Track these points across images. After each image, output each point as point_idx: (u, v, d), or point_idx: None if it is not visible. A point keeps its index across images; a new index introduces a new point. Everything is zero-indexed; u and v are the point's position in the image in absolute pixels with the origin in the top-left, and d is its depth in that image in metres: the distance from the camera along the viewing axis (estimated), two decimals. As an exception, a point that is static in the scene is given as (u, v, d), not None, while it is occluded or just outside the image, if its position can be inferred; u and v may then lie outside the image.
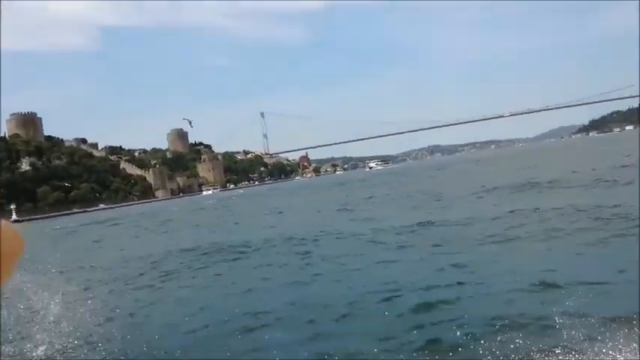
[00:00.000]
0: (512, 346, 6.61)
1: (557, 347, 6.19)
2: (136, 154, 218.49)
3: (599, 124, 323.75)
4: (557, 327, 6.77)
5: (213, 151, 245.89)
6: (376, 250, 14.43)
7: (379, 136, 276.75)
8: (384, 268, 12.16)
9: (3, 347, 8.34)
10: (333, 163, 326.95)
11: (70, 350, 8.26)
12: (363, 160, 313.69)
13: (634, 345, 5.78)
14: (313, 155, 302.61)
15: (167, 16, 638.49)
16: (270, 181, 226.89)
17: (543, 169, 40.26)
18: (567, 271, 9.45)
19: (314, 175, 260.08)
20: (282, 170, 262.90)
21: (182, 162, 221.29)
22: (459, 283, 9.39)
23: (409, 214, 22.40)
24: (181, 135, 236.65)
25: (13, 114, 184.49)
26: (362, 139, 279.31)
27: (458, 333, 7.14)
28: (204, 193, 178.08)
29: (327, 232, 19.13)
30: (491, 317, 7.49)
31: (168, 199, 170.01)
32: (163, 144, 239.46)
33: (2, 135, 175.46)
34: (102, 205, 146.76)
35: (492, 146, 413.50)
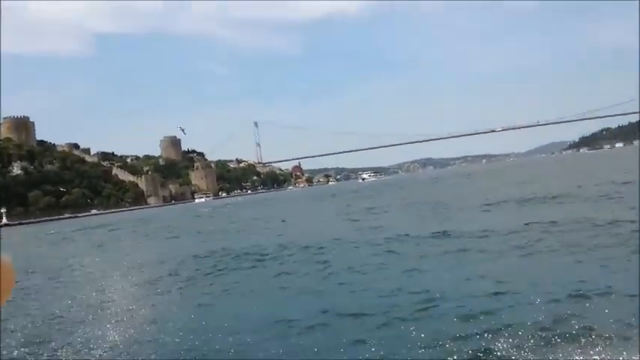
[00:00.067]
0: (561, 356, 6.68)
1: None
2: (129, 160, 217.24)
3: (589, 141, 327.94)
4: (606, 337, 6.85)
5: (207, 159, 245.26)
6: (397, 259, 14.41)
7: (372, 148, 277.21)
8: (409, 277, 12.16)
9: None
10: (326, 173, 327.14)
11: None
12: (355, 171, 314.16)
13: None
14: (306, 165, 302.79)
15: (161, 24, 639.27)
16: (263, 191, 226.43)
17: (544, 183, 40.58)
18: (600, 282, 9.51)
19: (307, 185, 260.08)
20: (274, 180, 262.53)
21: (175, 169, 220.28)
22: (496, 294, 9.41)
23: (419, 224, 22.45)
24: (174, 142, 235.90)
25: (5, 117, 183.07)
26: (355, 151, 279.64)
27: (505, 345, 7.14)
28: (196, 200, 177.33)
29: (340, 241, 19.09)
30: (538, 328, 7.50)
31: (160, 206, 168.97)
32: (156, 151, 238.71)
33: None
34: (94, 211, 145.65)
35: (484, 160, 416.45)
